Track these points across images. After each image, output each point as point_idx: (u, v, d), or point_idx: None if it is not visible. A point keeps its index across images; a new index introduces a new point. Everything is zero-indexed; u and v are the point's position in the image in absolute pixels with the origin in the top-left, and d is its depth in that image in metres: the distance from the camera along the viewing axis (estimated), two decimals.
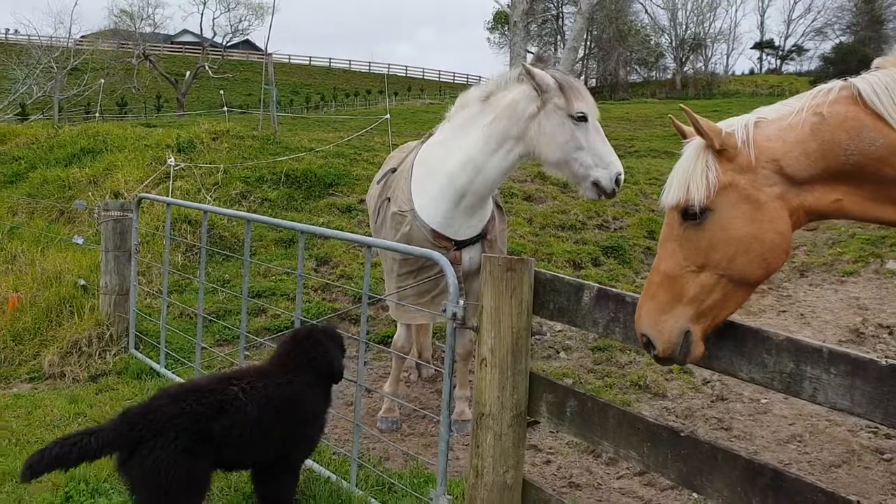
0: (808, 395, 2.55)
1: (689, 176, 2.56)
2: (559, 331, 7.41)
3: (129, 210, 6.37)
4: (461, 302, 3.55)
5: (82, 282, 6.79)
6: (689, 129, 2.80)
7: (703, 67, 63.05)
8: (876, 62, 2.77)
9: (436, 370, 6.30)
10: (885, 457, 4.47)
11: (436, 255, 3.72)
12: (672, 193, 2.59)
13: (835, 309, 7.41)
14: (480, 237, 4.92)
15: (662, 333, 2.54)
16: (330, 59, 70.59)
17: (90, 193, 9.61)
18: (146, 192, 6.95)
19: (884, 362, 2.36)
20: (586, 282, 3.30)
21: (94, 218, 8.39)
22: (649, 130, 28.02)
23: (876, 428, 4.86)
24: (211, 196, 9.48)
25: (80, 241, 7.42)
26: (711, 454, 2.80)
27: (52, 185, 10.68)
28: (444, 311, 3.58)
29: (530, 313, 3.40)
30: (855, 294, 7.86)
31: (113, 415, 4.97)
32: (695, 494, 4.13)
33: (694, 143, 2.66)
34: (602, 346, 6.77)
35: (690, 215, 2.53)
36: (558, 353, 6.77)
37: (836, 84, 2.75)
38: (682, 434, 2.92)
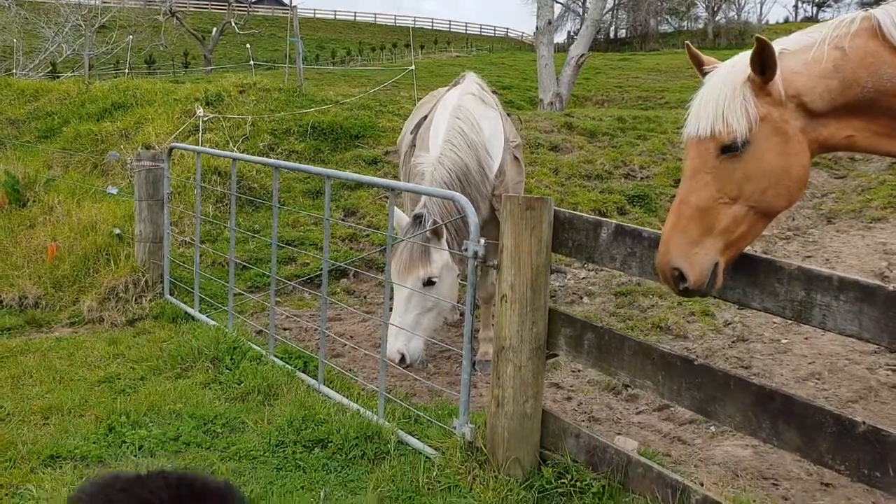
0: (818, 321, 2.63)
1: (725, 108, 2.55)
2: (583, 278, 7.49)
3: (161, 160, 6.53)
4: (481, 241, 3.64)
5: (117, 231, 6.99)
6: (707, 57, 2.82)
7: (736, 16, 61.45)
8: None
9: (461, 315, 6.44)
10: None
11: (456, 194, 3.81)
12: (705, 124, 2.57)
13: (861, 254, 7.39)
14: (489, 195, 5.02)
15: (694, 266, 2.56)
16: (355, 12, 69.96)
17: (122, 146, 9.80)
18: (169, 145, 7.10)
19: (891, 287, 2.42)
20: (604, 219, 3.38)
21: (127, 169, 8.57)
22: (680, 82, 27.54)
23: (894, 365, 4.91)
24: (239, 148, 9.61)
25: (115, 191, 7.62)
26: (724, 381, 2.90)
27: (84, 139, 10.89)
28: (466, 249, 3.68)
29: (549, 251, 3.50)
30: (882, 240, 7.82)
31: (149, 356, 5.21)
32: (712, 428, 4.25)
33: (723, 74, 2.66)
34: (625, 290, 6.85)
35: (730, 147, 2.55)
36: (581, 298, 6.86)
37: (857, 15, 2.76)
38: (696, 363, 3.01)
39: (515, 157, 5.26)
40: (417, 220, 4.55)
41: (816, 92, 2.62)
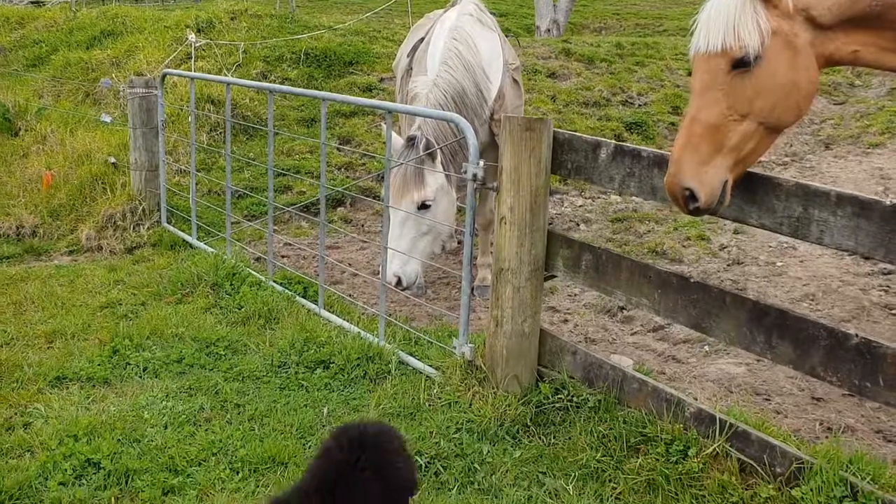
0: (815, 237, 2.65)
1: (737, 21, 2.49)
2: (580, 206, 7.50)
3: (154, 87, 6.44)
4: (481, 163, 3.63)
5: (112, 159, 6.94)
6: None
7: None
8: None
9: (459, 242, 6.47)
10: (893, 312, 4.61)
11: (456, 116, 3.79)
12: (716, 39, 2.52)
13: (858, 179, 7.39)
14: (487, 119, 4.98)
15: (705, 185, 2.55)
16: None
17: (113, 75, 9.63)
18: (162, 71, 6.98)
19: (888, 202, 2.44)
20: (603, 139, 3.37)
21: (119, 97, 8.46)
22: (680, 8, 26.92)
23: (887, 286, 4.98)
24: (231, 76, 9.46)
25: (108, 119, 7.53)
26: (720, 297, 2.94)
27: (74, 68, 10.69)
28: (465, 172, 3.67)
29: (548, 172, 3.50)
30: (879, 165, 7.82)
31: (149, 282, 5.25)
32: (706, 347, 4.33)
33: None
34: (621, 217, 6.88)
35: (742, 63, 2.50)
36: (578, 225, 6.88)
37: None
38: (692, 280, 3.05)
39: (515, 80, 5.20)
40: (411, 142, 4.51)
41: (825, 5, 2.58)
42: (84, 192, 6.78)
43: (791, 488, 2.69)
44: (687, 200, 2.58)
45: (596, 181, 3.36)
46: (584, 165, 3.39)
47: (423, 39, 5.26)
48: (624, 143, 3.28)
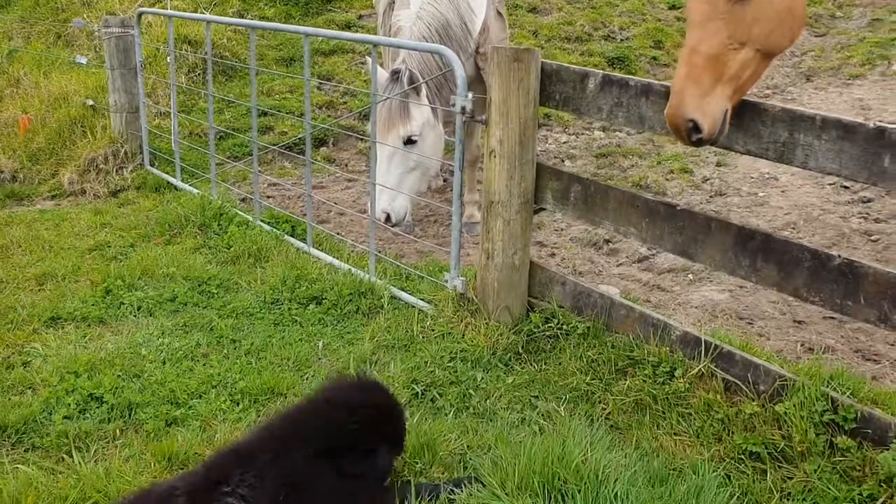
0: (801, 161, 2.71)
1: None
2: (564, 142, 7.52)
3: (131, 26, 6.31)
4: (469, 95, 3.63)
5: (90, 102, 6.83)
6: None
7: None
8: None
9: (444, 181, 6.49)
10: (872, 238, 4.72)
11: (442, 48, 3.77)
12: None
13: (838, 110, 7.45)
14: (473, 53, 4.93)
15: (707, 116, 2.56)
16: None
17: (84, 15, 9.39)
18: (137, 10, 6.82)
19: (871, 125, 2.49)
20: (591, 69, 3.38)
21: (94, 37, 8.27)
22: None
23: (866, 213, 5.09)
24: (209, 14, 9.26)
25: (84, 60, 7.37)
26: (706, 223, 3.01)
27: (44, 8, 10.38)
28: (453, 105, 3.67)
29: (537, 104, 3.51)
30: (859, 95, 7.88)
31: (136, 224, 5.24)
32: (690, 276, 4.42)
33: None
34: (605, 152, 6.91)
35: None
36: (563, 161, 6.91)
37: None
38: (679, 208, 3.11)
39: (499, 13, 5.15)
40: (395, 75, 4.48)
41: None
42: (63, 136, 6.70)
43: (774, 404, 2.80)
44: (690, 132, 2.60)
45: (584, 112, 3.38)
46: (573, 96, 3.40)
47: None
48: (612, 73, 3.29)
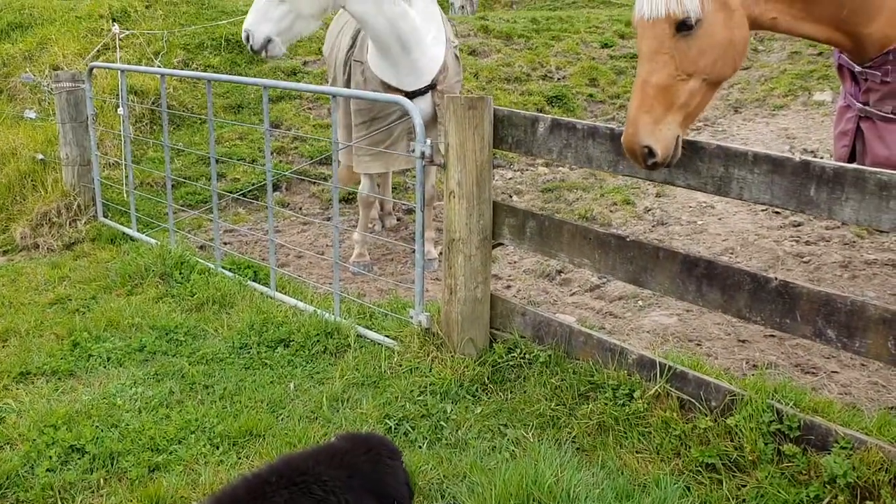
0: (736, 193, 2.97)
1: None
2: (510, 178, 7.79)
3: (82, 80, 6.37)
4: (428, 141, 3.84)
5: (40, 156, 6.83)
6: None
7: None
8: None
9: (398, 220, 6.67)
10: (804, 259, 5.06)
11: (401, 99, 3.98)
12: (659, 5, 2.76)
13: (766, 140, 7.91)
14: (431, 88, 5.14)
15: (660, 141, 2.82)
16: None
17: (28, 69, 9.36)
18: (89, 64, 6.88)
19: (797, 158, 2.77)
20: (540, 114, 3.62)
21: (41, 91, 8.26)
22: None
23: (797, 237, 5.45)
24: (156, 66, 9.33)
25: (33, 115, 7.38)
26: (654, 253, 3.25)
27: None
28: (413, 150, 3.87)
29: (491, 147, 3.73)
30: (784, 125, 8.38)
31: (95, 277, 5.26)
32: (640, 302, 4.67)
33: None
34: (550, 187, 7.20)
35: (684, 26, 2.76)
36: (511, 196, 7.16)
37: None
38: (628, 239, 3.35)
39: (455, 56, 5.41)
40: None
41: None
42: (14, 191, 6.68)
43: (726, 418, 3.03)
44: (646, 157, 2.85)
45: (536, 153, 3.61)
46: (524, 139, 3.63)
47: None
48: (560, 118, 3.54)
